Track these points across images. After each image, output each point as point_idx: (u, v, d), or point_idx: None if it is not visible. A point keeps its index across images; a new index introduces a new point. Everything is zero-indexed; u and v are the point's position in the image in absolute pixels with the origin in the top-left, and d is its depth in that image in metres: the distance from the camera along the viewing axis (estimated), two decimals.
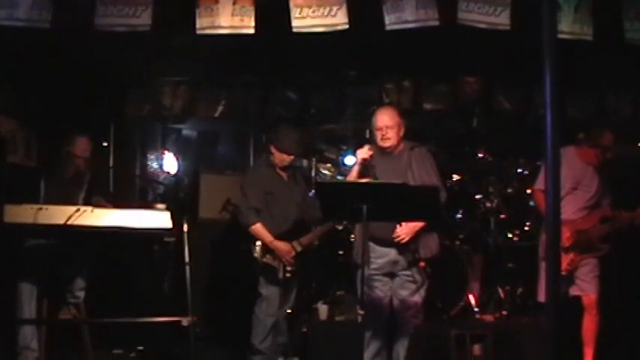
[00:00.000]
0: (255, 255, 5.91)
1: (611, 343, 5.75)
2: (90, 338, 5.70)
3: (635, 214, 5.66)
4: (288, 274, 5.96)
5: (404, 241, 5.18)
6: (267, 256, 5.93)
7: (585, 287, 5.61)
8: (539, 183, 5.88)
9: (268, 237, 5.90)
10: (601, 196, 5.75)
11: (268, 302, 5.94)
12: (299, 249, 5.99)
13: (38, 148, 6.89)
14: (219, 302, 7.02)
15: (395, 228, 5.18)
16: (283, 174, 6.09)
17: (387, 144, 5.28)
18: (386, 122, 5.29)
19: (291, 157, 6.03)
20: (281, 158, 6.00)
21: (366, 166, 5.23)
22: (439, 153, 6.82)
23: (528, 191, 6.92)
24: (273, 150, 6.01)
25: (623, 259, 6.13)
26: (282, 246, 5.92)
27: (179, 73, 7.38)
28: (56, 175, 5.86)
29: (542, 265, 5.66)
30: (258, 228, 5.90)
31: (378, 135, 5.31)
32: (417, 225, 5.17)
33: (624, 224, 5.65)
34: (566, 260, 5.43)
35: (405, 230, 5.17)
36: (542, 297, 5.62)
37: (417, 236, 5.21)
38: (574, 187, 5.63)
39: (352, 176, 5.30)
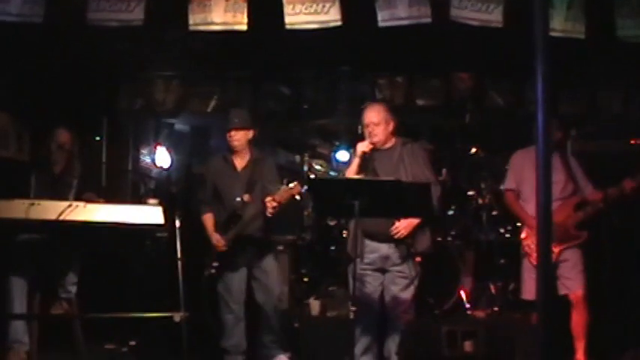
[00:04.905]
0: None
1: (602, 335, 5.77)
2: (82, 333, 5.69)
3: (622, 186, 5.51)
4: (212, 270, 5.88)
5: (402, 236, 5.20)
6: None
7: (570, 285, 5.53)
8: (508, 182, 5.86)
9: (210, 228, 5.92)
10: (576, 187, 5.67)
11: (223, 300, 5.95)
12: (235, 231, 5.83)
13: (30, 142, 6.87)
14: (211, 297, 7.01)
15: (392, 223, 5.20)
16: (238, 164, 5.93)
17: (374, 140, 5.32)
18: (372, 119, 5.35)
19: (237, 136, 5.85)
20: (229, 140, 5.88)
21: (365, 160, 5.26)
22: (434, 149, 6.82)
23: None
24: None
25: (614, 251, 6.17)
26: (213, 238, 5.88)
27: (172, 67, 7.36)
28: (45, 171, 5.84)
29: (524, 263, 5.69)
30: (204, 219, 5.97)
31: (366, 132, 5.36)
32: (415, 220, 5.19)
33: (603, 206, 5.58)
34: None
35: (403, 225, 5.18)
36: (526, 294, 5.63)
37: (413, 231, 5.23)
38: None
39: (352, 170, 5.33)
